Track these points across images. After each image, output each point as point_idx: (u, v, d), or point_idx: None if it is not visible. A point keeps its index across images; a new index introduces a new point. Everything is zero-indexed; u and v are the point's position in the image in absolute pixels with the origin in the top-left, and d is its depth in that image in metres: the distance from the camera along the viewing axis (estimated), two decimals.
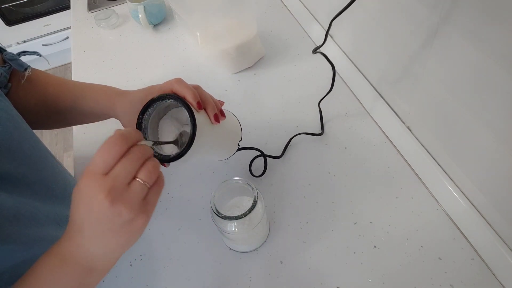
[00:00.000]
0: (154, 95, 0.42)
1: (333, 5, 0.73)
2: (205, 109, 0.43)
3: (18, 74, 0.50)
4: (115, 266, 0.53)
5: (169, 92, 0.43)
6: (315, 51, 0.61)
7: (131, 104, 0.49)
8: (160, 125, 0.45)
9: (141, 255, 0.55)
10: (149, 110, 0.42)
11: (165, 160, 0.40)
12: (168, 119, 0.46)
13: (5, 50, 0.49)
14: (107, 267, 0.37)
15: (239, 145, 0.56)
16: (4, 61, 0.49)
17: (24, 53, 0.52)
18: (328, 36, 0.66)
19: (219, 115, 0.45)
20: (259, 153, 0.61)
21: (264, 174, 0.61)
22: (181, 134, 0.45)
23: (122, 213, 0.31)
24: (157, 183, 0.35)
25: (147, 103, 0.41)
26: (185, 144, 0.39)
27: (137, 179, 0.33)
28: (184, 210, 0.59)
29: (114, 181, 0.31)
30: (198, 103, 0.42)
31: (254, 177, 0.62)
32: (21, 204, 0.42)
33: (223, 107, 0.48)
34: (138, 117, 0.41)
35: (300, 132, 0.65)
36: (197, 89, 0.44)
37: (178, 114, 0.46)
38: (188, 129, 0.43)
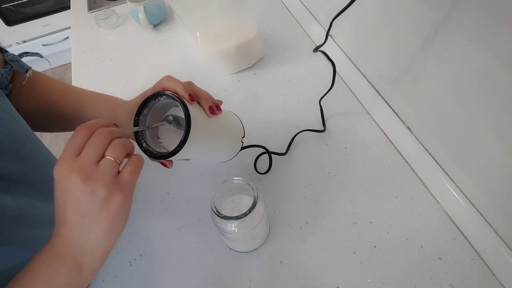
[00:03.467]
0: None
1: (333, 5, 0.73)
2: (199, 103, 0.43)
3: (19, 75, 0.50)
4: (115, 266, 0.54)
5: (160, 90, 0.42)
6: (316, 50, 0.61)
7: (130, 112, 0.50)
8: (160, 130, 0.45)
9: (141, 255, 0.55)
10: (144, 111, 0.42)
11: (163, 156, 0.39)
12: (166, 124, 0.45)
13: (7, 51, 0.49)
14: (96, 262, 0.37)
15: (242, 142, 0.55)
16: (6, 62, 0.49)
17: (26, 54, 0.52)
18: (328, 36, 0.66)
19: (214, 108, 0.45)
20: (264, 151, 0.61)
21: (266, 173, 0.61)
22: (174, 120, 0.44)
23: (96, 190, 0.32)
24: (132, 161, 0.36)
25: (141, 104, 0.42)
26: (181, 138, 0.39)
27: (106, 157, 0.34)
28: (184, 210, 0.59)
29: (83, 160, 0.33)
30: (190, 95, 0.41)
31: (259, 174, 0.62)
32: (24, 205, 0.42)
33: (222, 107, 0.48)
34: (134, 119, 0.41)
35: (303, 129, 0.65)
36: (189, 84, 0.44)
37: (176, 116, 0.45)
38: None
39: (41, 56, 0.55)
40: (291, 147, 0.64)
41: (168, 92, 0.41)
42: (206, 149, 0.46)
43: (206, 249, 0.55)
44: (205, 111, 0.44)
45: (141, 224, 0.58)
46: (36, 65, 0.55)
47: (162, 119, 0.44)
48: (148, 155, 0.41)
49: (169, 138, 0.45)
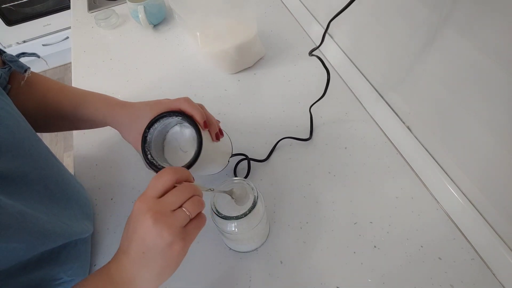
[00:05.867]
0: (161, 110, 0.45)
1: (333, 5, 0.73)
2: (208, 127, 0.47)
3: (18, 76, 0.50)
4: None
5: (176, 109, 0.45)
6: (311, 53, 0.60)
7: (131, 116, 0.51)
8: (166, 147, 0.49)
9: None
10: (156, 125, 0.45)
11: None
12: (171, 141, 0.49)
13: (5, 52, 0.49)
14: None
15: (229, 161, 0.58)
16: (4, 63, 0.48)
17: (23, 54, 0.52)
18: (328, 36, 0.66)
19: (219, 134, 0.49)
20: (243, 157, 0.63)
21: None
22: None
23: (163, 234, 0.35)
24: (200, 217, 0.39)
25: (155, 117, 0.44)
26: (190, 160, 0.43)
27: (182, 208, 0.37)
28: None
29: (162, 205, 0.36)
30: (205, 122, 0.45)
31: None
32: (24, 204, 0.41)
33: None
34: (145, 131, 0.44)
35: (287, 136, 0.65)
36: (202, 108, 0.47)
37: (178, 134, 0.49)
38: (187, 148, 0.48)
39: (38, 57, 0.55)
40: (291, 146, 0.64)
41: (185, 115, 0.44)
42: (202, 169, 0.49)
43: (206, 249, 0.55)
44: (211, 136, 0.48)
45: None
46: (34, 66, 0.55)
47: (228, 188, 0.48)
48: (151, 166, 0.44)
49: (174, 156, 0.48)
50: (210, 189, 0.43)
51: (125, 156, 0.67)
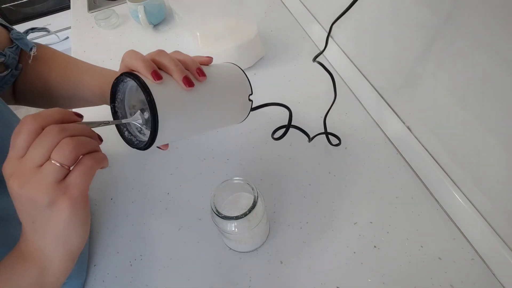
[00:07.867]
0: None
1: (333, 6, 0.73)
2: (172, 76, 0.37)
3: (25, 54, 0.49)
4: (115, 266, 0.54)
5: (125, 70, 0.37)
6: (315, 59, 0.60)
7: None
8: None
9: (141, 255, 0.55)
10: (118, 96, 0.37)
11: (139, 148, 0.36)
12: (139, 116, 0.39)
13: (13, 29, 0.48)
14: (59, 266, 0.34)
15: (251, 100, 0.46)
16: (12, 41, 0.47)
17: (32, 30, 0.51)
18: (329, 39, 0.66)
19: (193, 76, 0.37)
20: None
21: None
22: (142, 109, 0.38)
23: (35, 197, 0.29)
24: (82, 162, 0.31)
25: (111, 90, 0.37)
26: (150, 128, 0.34)
27: (51, 160, 0.29)
28: (184, 210, 0.59)
29: (23, 164, 0.29)
30: (153, 73, 0.35)
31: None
32: (8, 205, 0.41)
33: (217, 62, 0.42)
34: (111, 107, 0.37)
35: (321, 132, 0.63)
36: (157, 55, 0.37)
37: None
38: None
39: (48, 31, 0.55)
40: (292, 146, 0.64)
41: (127, 74, 0.34)
42: (196, 126, 0.39)
43: (206, 249, 0.55)
44: (179, 84, 0.36)
45: (141, 224, 0.58)
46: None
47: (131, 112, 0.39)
48: (130, 145, 0.37)
49: None
50: (103, 122, 0.34)
51: (125, 156, 0.67)
